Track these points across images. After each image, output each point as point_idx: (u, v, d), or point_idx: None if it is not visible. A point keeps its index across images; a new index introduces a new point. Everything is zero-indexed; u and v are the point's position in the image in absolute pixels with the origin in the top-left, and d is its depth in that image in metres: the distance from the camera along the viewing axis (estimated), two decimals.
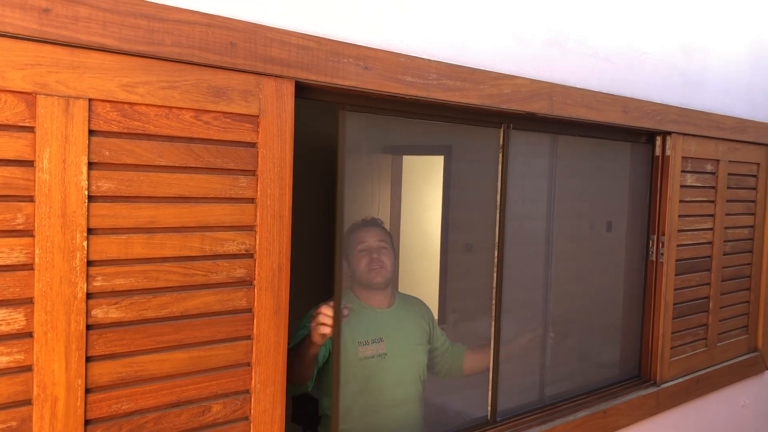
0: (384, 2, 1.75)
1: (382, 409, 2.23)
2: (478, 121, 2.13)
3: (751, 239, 3.25)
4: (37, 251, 1.23)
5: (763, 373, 3.43)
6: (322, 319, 1.87)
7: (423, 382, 2.30)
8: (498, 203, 2.23)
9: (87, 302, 1.30)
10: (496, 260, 2.25)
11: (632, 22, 2.53)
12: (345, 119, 1.80)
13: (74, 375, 1.29)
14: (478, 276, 2.31)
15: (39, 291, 1.24)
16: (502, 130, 2.20)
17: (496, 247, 2.24)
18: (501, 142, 2.21)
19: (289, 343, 1.64)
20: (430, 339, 2.36)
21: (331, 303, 1.89)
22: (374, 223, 2.37)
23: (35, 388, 1.25)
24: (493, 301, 2.25)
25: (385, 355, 2.20)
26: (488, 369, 2.37)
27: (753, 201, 3.23)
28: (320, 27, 1.61)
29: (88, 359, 1.31)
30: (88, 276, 1.30)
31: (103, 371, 1.33)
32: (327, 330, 1.87)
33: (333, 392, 1.93)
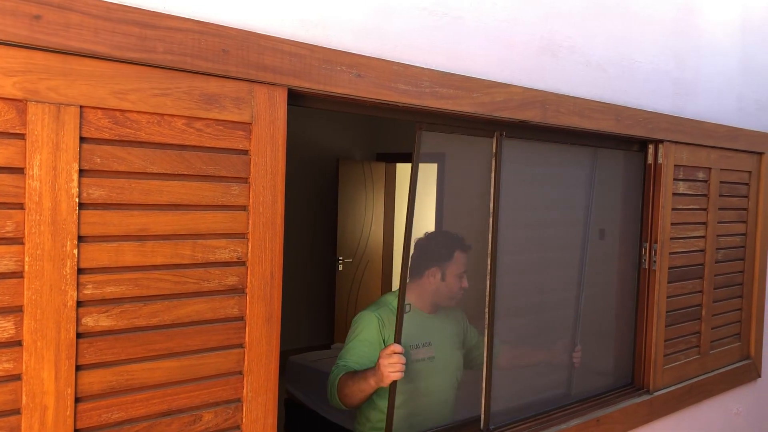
0: (377, 10, 1.76)
1: (428, 410, 2.29)
2: (471, 129, 2.13)
3: (743, 247, 3.26)
4: (26, 259, 1.22)
5: (756, 381, 3.43)
6: (397, 360, 1.95)
7: (459, 381, 2.37)
8: (491, 211, 2.23)
9: (77, 310, 1.29)
10: (489, 268, 2.25)
11: (624, 30, 2.54)
12: (421, 138, 1.92)
13: (64, 384, 1.28)
14: (471, 283, 2.30)
15: (28, 299, 1.23)
16: (495, 138, 2.20)
17: (489, 255, 2.24)
18: (494, 150, 2.21)
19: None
20: (464, 341, 2.41)
21: (401, 350, 1.97)
22: (471, 247, 2.38)
23: (24, 397, 1.23)
24: (486, 309, 2.25)
25: (433, 358, 2.27)
26: (523, 367, 2.49)
27: (745, 209, 3.25)
28: (313, 35, 1.61)
29: (78, 368, 1.30)
30: (78, 284, 1.29)
31: (93, 380, 1.32)
32: (399, 375, 1.95)
33: (390, 397, 2.01)
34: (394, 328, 2.14)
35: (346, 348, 2.21)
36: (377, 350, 2.11)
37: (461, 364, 2.36)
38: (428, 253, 2.31)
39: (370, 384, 2.02)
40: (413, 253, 2.28)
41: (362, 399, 2.08)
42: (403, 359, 1.96)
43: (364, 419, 2.34)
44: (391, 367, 1.95)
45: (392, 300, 2.32)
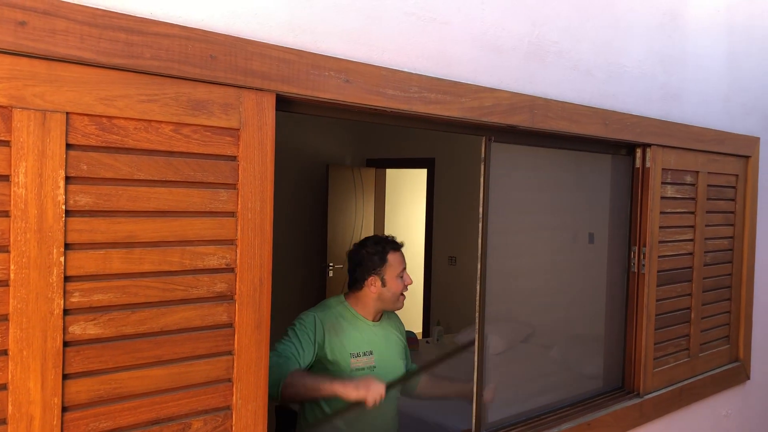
0: (365, 16, 1.76)
1: (367, 421, 2.27)
2: (460, 133, 2.14)
3: (731, 250, 3.28)
4: (12, 267, 1.21)
5: (745, 383, 3.45)
6: (378, 395, 2.01)
7: (399, 397, 2.37)
8: (480, 216, 2.23)
9: (64, 318, 1.27)
10: (479, 272, 2.25)
11: (612, 35, 2.56)
12: (491, 149, 1.99)
13: (50, 393, 1.26)
14: (461, 289, 2.31)
15: (14, 307, 1.21)
16: (483, 142, 2.20)
17: (479, 260, 2.24)
18: (483, 155, 2.21)
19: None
20: (405, 354, 2.42)
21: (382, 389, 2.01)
22: (398, 243, 2.41)
23: (10, 406, 1.22)
24: (477, 313, 2.25)
25: (374, 368, 2.26)
26: (442, 399, 2.53)
27: (732, 212, 3.27)
28: (301, 40, 1.61)
29: (65, 377, 1.28)
30: (65, 292, 1.27)
31: (81, 389, 1.31)
32: (372, 405, 2.01)
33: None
34: (332, 333, 2.19)
35: (281, 339, 2.20)
36: (305, 348, 2.13)
37: (402, 375, 2.37)
38: (362, 263, 2.32)
39: (333, 389, 2.03)
40: (348, 266, 2.36)
41: (310, 399, 2.10)
42: (378, 399, 2.01)
43: (305, 423, 2.33)
44: (373, 399, 1.99)
45: (335, 304, 2.34)
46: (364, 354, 2.25)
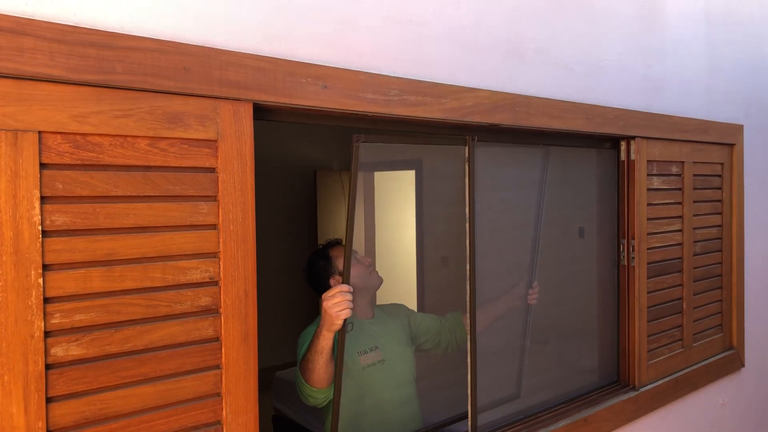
0: (340, 21, 1.74)
1: (387, 412, 2.29)
2: (442, 135, 2.13)
3: (719, 238, 3.29)
4: None
5: (740, 371, 3.45)
6: (341, 298, 1.89)
7: (415, 381, 2.37)
8: (467, 215, 2.22)
9: (45, 341, 1.25)
10: (468, 273, 2.23)
11: (590, 29, 2.55)
12: (359, 151, 1.86)
13: (34, 417, 1.24)
14: (453, 289, 2.31)
15: None
16: (467, 142, 2.19)
17: (468, 260, 2.23)
18: (466, 155, 2.20)
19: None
20: (413, 337, 2.42)
21: (344, 286, 1.91)
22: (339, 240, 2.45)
23: None
24: (467, 313, 2.24)
25: (383, 362, 2.28)
26: (490, 324, 2.42)
27: (719, 200, 3.27)
28: (277, 48, 1.59)
29: (48, 400, 1.26)
30: (45, 313, 1.25)
31: (66, 411, 1.29)
32: (347, 312, 1.89)
33: (335, 395, 1.96)
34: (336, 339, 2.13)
35: (298, 351, 2.20)
36: None
37: (413, 360, 2.39)
38: (318, 278, 2.36)
39: (323, 336, 1.95)
40: (314, 290, 2.38)
41: (323, 364, 1.99)
42: (348, 296, 1.89)
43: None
44: (337, 306, 1.89)
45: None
46: (371, 350, 2.27)
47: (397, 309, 2.49)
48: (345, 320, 1.92)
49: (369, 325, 2.34)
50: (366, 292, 2.34)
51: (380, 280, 2.35)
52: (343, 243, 2.28)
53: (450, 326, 2.50)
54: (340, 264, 2.31)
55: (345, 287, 1.91)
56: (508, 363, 2.57)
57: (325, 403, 2.15)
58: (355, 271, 2.23)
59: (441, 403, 2.42)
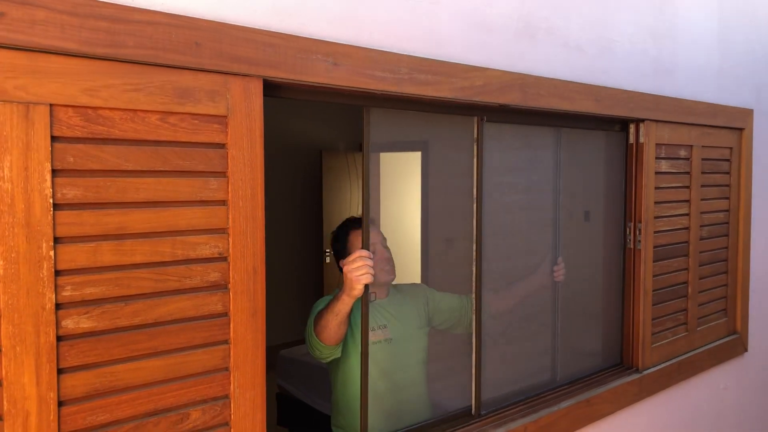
0: None
1: (393, 392, 2.28)
2: (451, 114, 2.12)
3: (726, 223, 3.28)
4: (1, 262, 1.19)
5: (743, 355, 3.46)
6: (363, 263, 1.91)
7: (426, 365, 2.35)
8: (474, 196, 2.22)
9: (56, 313, 1.26)
10: (474, 253, 2.24)
11: (601, 10, 2.53)
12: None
13: (46, 388, 1.25)
14: (459, 268, 2.30)
15: (5, 303, 1.20)
16: (475, 122, 2.19)
17: (474, 240, 2.24)
18: (475, 135, 2.20)
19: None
20: (430, 317, 2.39)
21: (364, 251, 1.92)
22: (374, 222, 2.33)
23: (5, 403, 1.21)
24: (473, 293, 2.25)
25: (391, 340, 2.26)
26: (515, 306, 2.46)
27: (727, 185, 3.26)
28: (287, 24, 1.59)
29: (59, 371, 1.27)
30: (56, 286, 1.26)
31: (77, 383, 1.30)
32: (368, 277, 1.91)
33: (362, 375, 1.97)
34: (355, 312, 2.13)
35: (312, 311, 2.22)
36: None
37: (425, 344, 2.37)
38: (335, 254, 2.39)
39: (342, 300, 1.98)
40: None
41: (339, 323, 2.03)
42: (369, 262, 1.92)
43: (337, 413, 2.35)
44: (357, 271, 1.92)
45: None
46: (379, 328, 2.26)
47: (416, 289, 2.44)
48: (367, 288, 1.95)
49: (381, 305, 2.33)
50: (376, 283, 2.29)
51: (392, 277, 2.32)
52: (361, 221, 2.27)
53: (470, 307, 2.44)
54: (353, 252, 2.24)
55: (364, 252, 1.93)
56: (537, 343, 2.58)
57: (329, 359, 2.19)
58: (376, 259, 2.20)
59: (451, 389, 2.41)
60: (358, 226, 2.28)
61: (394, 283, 2.39)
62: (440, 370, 2.41)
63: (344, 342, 2.20)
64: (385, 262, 2.28)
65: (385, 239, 2.34)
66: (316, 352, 2.15)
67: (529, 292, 2.53)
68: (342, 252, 2.33)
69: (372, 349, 2.20)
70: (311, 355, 2.20)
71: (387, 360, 2.27)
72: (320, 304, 2.23)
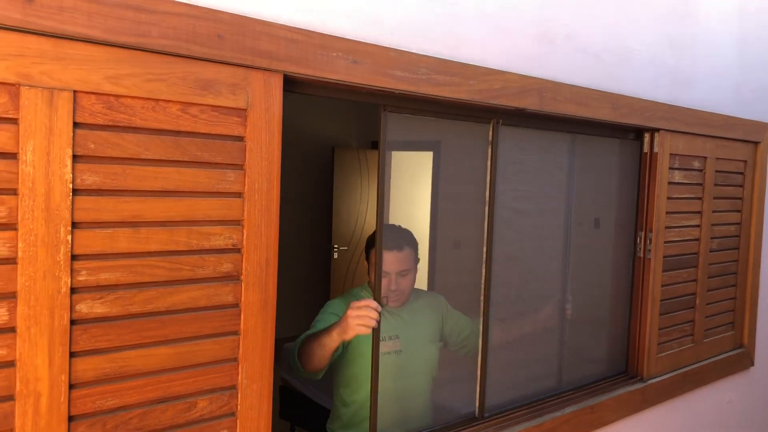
0: None
1: (397, 403, 2.22)
2: (467, 116, 2.13)
3: (737, 236, 3.27)
4: (20, 245, 1.21)
5: (749, 369, 3.45)
6: (367, 314, 1.87)
7: (434, 379, 2.30)
8: (487, 199, 2.23)
9: (71, 297, 1.28)
10: (484, 257, 2.24)
11: (621, 18, 2.53)
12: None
13: (58, 370, 1.27)
14: (466, 272, 2.30)
15: (22, 285, 1.22)
16: (491, 125, 2.19)
17: (485, 244, 2.24)
18: (490, 138, 2.20)
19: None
20: (442, 334, 2.34)
21: (374, 303, 1.89)
22: (398, 244, 2.21)
23: (18, 383, 1.23)
24: (482, 297, 2.25)
25: (400, 352, 2.21)
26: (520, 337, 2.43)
27: (740, 198, 3.25)
28: (309, 20, 1.60)
29: (72, 354, 1.29)
30: (72, 270, 1.28)
31: (88, 367, 1.31)
32: (366, 330, 1.88)
33: (372, 387, 1.94)
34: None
35: (313, 323, 2.18)
36: None
37: (435, 358, 2.30)
38: (367, 255, 2.31)
39: (332, 337, 1.93)
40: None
41: (322, 356, 1.97)
42: (374, 314, 1.86)
43: (335, 417, 2.32)
44: (359, 319, 1.86)
45: (358, 291, 2.31)
46: (390, 338, 2.18)
47: (435, 301, 2.37)
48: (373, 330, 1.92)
49: (393, 314, 2.24)
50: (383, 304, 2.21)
51: (394, 305, 2.22)
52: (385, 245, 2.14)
53: (477, 333, 2.37)
54: (371, 268, 2.22)
55: (374, 304, 1.89)
56: (543, 349, 2.59)
57: (320, 377, 2.13)
58: (381, 283, 2.10)
59: (456, 393, 2.39)
60: (391, 247, 2.16)
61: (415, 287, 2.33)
62: (445, 373, 2.41)
63: (346, 349, 2.16)
64: (394, 293, 2.19)
65: (417, 260, 2.27)
66: (295, 372, 2.10)
67: (535, 328, 2.50)
68: (367, 257, 2.30)
69: (380, 361, 2.10)
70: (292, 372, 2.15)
71: (394, 373, 2.21)
72: (324, 317, 2.17)
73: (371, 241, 2.26)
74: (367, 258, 2.32)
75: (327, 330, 1.98)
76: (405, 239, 2.25)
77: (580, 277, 2.64)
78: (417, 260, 2.29)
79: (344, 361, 2.22)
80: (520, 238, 2.45)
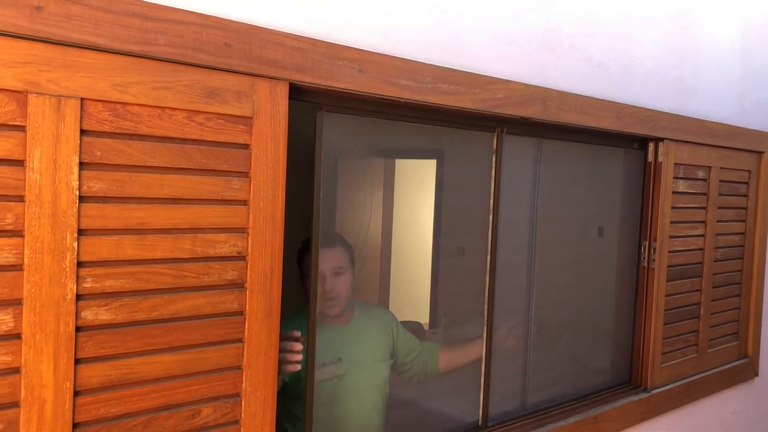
0: (379, 5, 1.75)
1: (343, 430, 2.08)
2: (472, 125, 2.13)
3: (741, 246, 3.26)
4: (26, 252, 1.21)
5: (753, 380, 3.44)
6: (293, 356, 1.76)
7: (384, 399, 2.15)
8: (491, 207, 2.23)
9: (77, 304, 1.28)
10: (488, 265, 2.24)
11: (625, 28, 2.54)
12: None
13: (63, 377, 1.27)
14: (469, 280, 2.30)
15: (28, 292, 1.22)
16: (495, 134, 2.19)
17: (489, 252, 2.24)
18: (495, 147, 2.21)
19: None
20: (393, 351, 2.21)
21: (299, 336, 1.77)
22: (329, 242, 2.09)
23: (23, 390, 1.23)
24: (486, 305, 2.25)
25: (343, 377, 2.05)
26: (466, 366, 2.27)
27: (744, 208, 3.25)
28: (315, 29, 1.60)
29: (77, 361, 1.29)
30: (78, 277, 1.28)
31: (92, 374, 1.31)
32: (297, 367, 1.77)
33: (306, 419, 1.79)
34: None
35: None
36: None
37: (386, 376, 2.14)
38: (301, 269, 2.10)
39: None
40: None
41: None
42: (296, 349, 1.74)
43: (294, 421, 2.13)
44: (283, 360, 1.74)
45: (297, 312, 1.98)
46: (332, 362, 2.02)
47: (385, 316, 2.24)
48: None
49: (337, 332, 2.08)
50: (321, 313, 2.07)
51: (335, 311, 2.07)
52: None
53: (425, 357, 2.31)
54: (305, 273, 2.01)
55: (296, 336, 1.76)
56: (547, 358, 2.55)
57: None
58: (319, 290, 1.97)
59: (459, 402, 2.35)
60: (321, 246, 1.92)
61: (358, 302, 2.20)
62: (449, 382, 2.41)
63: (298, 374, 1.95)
64: (329, 296, 2.04)
65: (352, 264, 2.12)
66: None
67: (470, 362, 2.31)
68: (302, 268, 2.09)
69: (318, 389, 1.90)
70: None
71: (334, 401, 2.05)
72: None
73: (303, 248, 2.08)
74: (301, 269, 2.11)
75: None
76: (337, 239, 2.14)
77: (584, 286, 2.64)
78: (353, 263, 2.15)
79: (290, 399, 2.06)
80: (524, 246, 2.45)
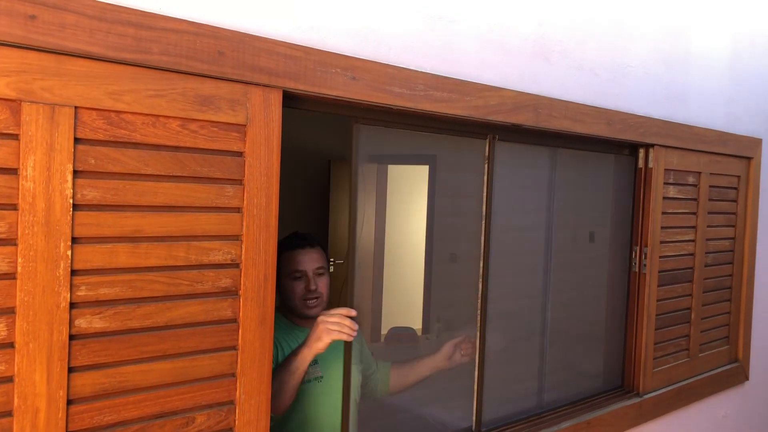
0: (372, 13, 1.76)
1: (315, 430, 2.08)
2: (464, 131, 2.14)
3: (731, 251, 3.29)
4: (19, 260, 1.21)
5: (744, 384, 3.46)
6: (337, 319, 1.78)
7: (357, 404, 2.13)
8: (483, 214, 2.24)
9: (70, 312, 1.28)
10: (481, 271, 2.25)
11: (616, 35, 2.56)
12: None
13: (56, 386, 1.27)
14: (462, 286, 2.31)
15: (21, 300, 1.22)
16: (488, 141, 2.21)
17: (482, 258, 2.25)
18: (487, 153, 2.22)
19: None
20: (360, 358, 2.22)
21: (355, 313, 1.80)
22: (310, 242, 2.14)
23: (16, 399, 1.23)
24: (478, 311, 2.26)
25: (321, 378, 2.09)
26: (416, 384, 2.27)
27: (734, 213, 3.27)
28: (308, 37, 1.61)
29: (70, 370, 1.29)
30: (71, 285, 1.28)
31: (86, 382, 1.31)
32: (341, 336, 1.79)
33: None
34: (286, 342, 1.98)
35: None
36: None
37: (357, 381, 2.14)
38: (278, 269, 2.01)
39: (302, 355, 1.80)
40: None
41: (293, 386, 1.84)
42: (351, 324, 1.76)
43: None
44: (333, 325, 1.76)
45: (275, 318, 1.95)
46: (310, 365, 1.96)
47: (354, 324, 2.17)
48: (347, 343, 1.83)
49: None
50: (303, 316, 2.11)
51: (320, 310, 2.06)
52: (313, 243, 2.12)
53: (379, 375, 2.30)
54: (281, 272, 2.04)
55: (353, 312, 1.81)
56: (539, 364, 2.56)
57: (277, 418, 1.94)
58: (288, 289, 2.03)
59: (453, 407, 2.35)
60: (294, 247, 2.08)
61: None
62: (442, 388, 2.41)
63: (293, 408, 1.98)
64: (313, 295, 2.08)
65: (325, 258, 2.15)
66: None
67: (426, 376, 2.30)
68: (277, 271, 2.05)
69: (300, 390, 1.96)
70: None
71: (316, 400, 2.07)
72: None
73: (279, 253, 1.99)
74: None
75: (288, 357, 1.87)
76: (315, 239, 2.17)
77: (575, 291, 2.65)
78: (329, 266, 2.17)
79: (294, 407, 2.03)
80: (517, 252, 2.46)
